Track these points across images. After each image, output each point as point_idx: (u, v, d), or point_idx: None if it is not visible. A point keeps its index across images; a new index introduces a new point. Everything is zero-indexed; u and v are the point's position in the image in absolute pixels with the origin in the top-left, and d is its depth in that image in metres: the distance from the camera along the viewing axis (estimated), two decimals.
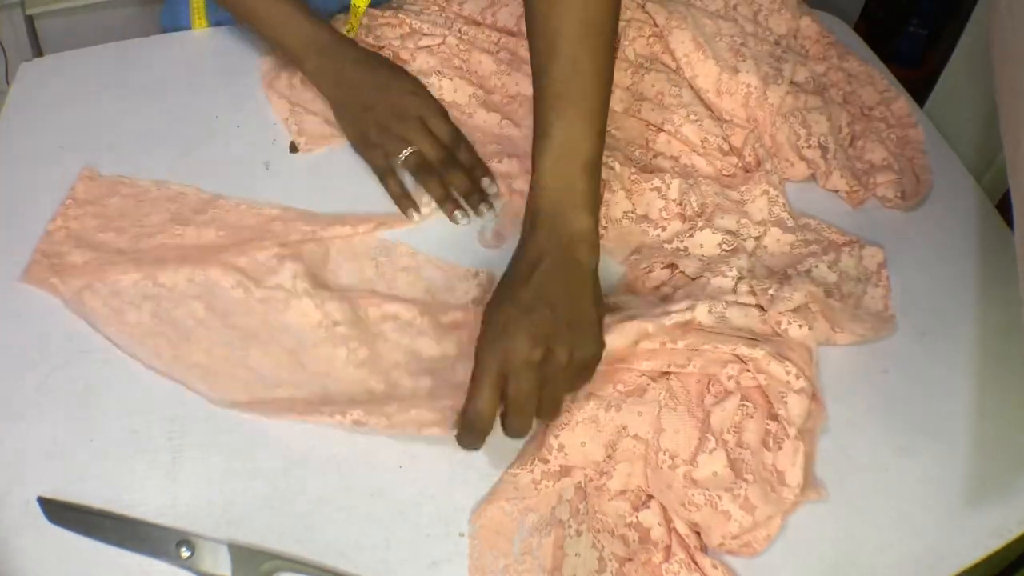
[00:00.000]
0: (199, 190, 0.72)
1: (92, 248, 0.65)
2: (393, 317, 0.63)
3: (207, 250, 0.66)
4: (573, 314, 0.53)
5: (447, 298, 0.66)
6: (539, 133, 0.58)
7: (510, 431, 0.52)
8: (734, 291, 0.63)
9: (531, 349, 0.50)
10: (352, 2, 0.83)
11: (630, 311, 0.60)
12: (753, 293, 0.62)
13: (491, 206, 0.71)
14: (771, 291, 0.61)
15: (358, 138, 0.74)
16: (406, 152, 0.71)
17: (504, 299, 0.54)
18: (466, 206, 0.71)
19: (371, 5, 0.88)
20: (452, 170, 0.71)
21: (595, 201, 0.57)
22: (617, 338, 0.57)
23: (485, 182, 0.72)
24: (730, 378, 0.57)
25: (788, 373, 0.57)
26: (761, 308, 0.61)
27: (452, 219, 0.70)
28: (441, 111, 0.74)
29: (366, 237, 0.69)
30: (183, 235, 0.68)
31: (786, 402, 0.56)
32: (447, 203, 0.70)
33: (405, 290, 0.66)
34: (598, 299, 0.55)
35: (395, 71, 0.76)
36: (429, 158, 0.71)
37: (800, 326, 0.60)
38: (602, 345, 0.54)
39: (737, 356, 0.57)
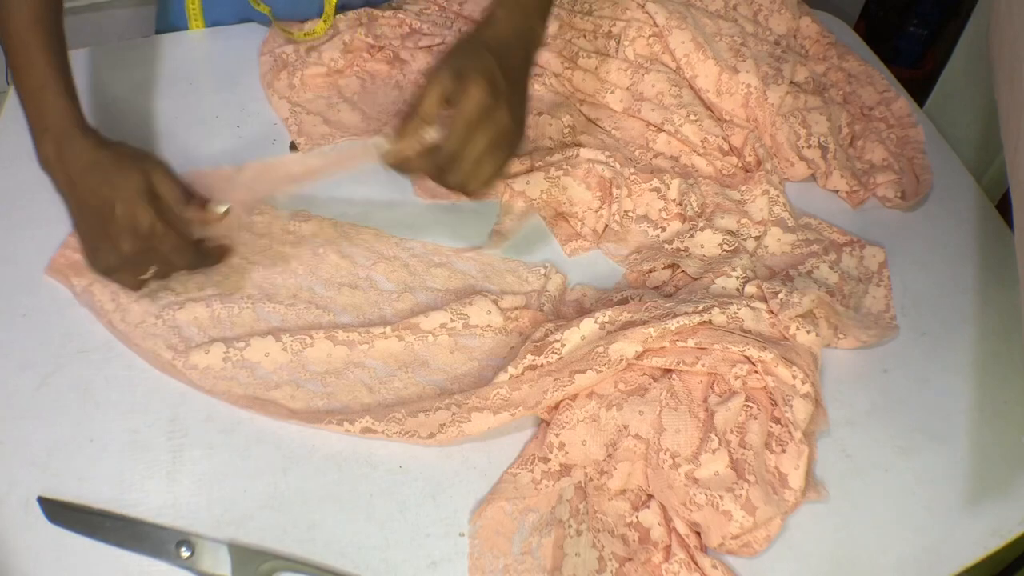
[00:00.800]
0: None
1: None
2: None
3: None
4: (515, 92, 0.60)
5: (488, 286, 0.66)
6: None
7: (450, 145, 0.56)
8: (739, 291, 0.63)
9: (483, 83, 0.56)
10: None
11: (638, 314, 0.60)
12: (762, 294, 0.62)
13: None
14: (781, 295, 0.61)
15: (100, 268, 0.60)
16: (152, 270, 0.60)
17: (470, 47, 0.60)
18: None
19: (371, 5, 0.88)
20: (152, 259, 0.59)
21: (544, 35, 0.67)
22: (625, 346, 0.57)
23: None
24: (737, 378, 0.57)
25: (795, 377, 0.57)
26: (770, 311, 0.61)
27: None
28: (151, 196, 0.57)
29: (388, 240, 0.69)
30: None
31: (791, 406, 0.56)
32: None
33: (444, 284, 0.66)
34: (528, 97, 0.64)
35: (128, 161, 0.60)
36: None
37: (808, 332, 0.60)
38: (525, 129, 0.62)
39: (747, 357, 0.57)
